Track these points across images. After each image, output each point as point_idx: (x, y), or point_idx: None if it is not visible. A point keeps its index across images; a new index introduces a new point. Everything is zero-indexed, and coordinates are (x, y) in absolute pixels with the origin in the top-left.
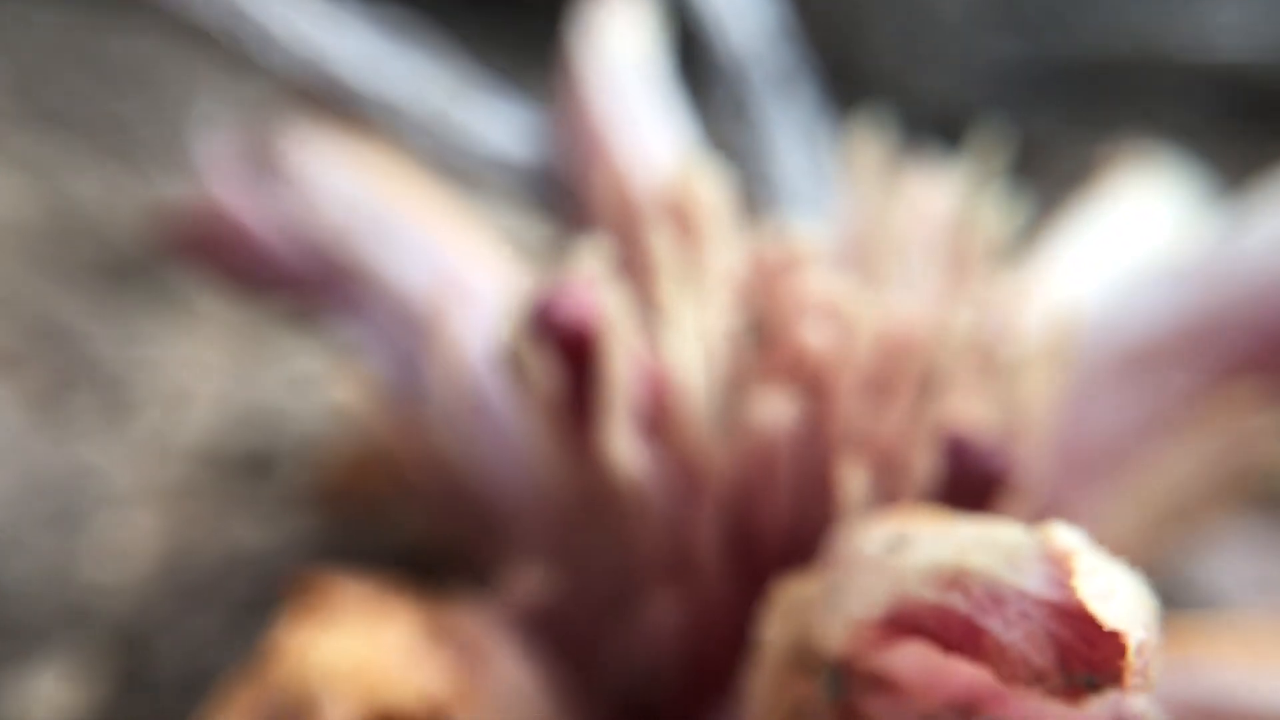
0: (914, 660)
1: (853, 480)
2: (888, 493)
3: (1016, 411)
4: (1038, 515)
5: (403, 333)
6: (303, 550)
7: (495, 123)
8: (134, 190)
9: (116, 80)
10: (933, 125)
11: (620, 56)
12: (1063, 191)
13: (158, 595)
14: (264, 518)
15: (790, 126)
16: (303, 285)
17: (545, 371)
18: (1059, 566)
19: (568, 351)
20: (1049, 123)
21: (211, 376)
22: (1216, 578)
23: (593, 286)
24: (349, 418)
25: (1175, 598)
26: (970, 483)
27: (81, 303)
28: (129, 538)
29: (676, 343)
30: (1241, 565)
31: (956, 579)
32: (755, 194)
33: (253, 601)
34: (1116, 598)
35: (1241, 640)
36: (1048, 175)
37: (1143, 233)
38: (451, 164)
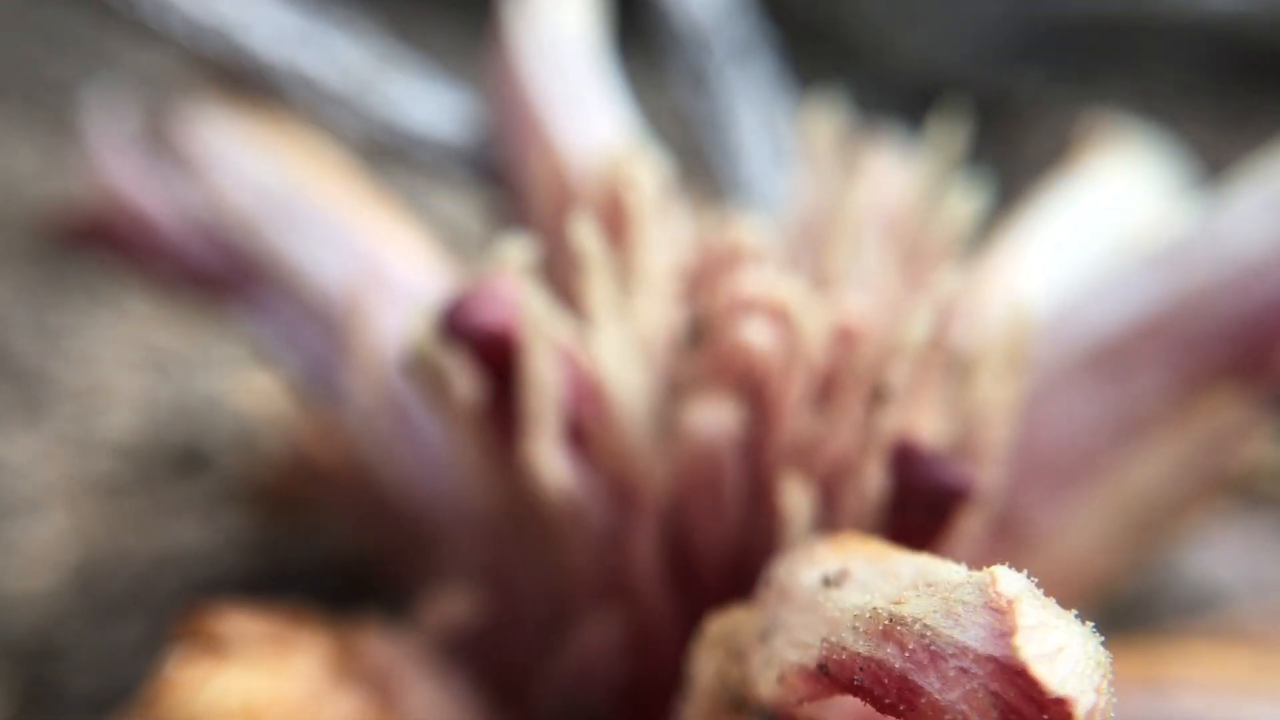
0: (848, 714)
1: (797, 496)
2: (834, 510)
3: (975, 419)
4: (999, 529)
5: (316, 329)
6: (232, 556)
7: (424, 97)
8: (76, 165)
9: (58, 47)
10: (921, 85)
11: (559, 29)
12: (1050, 152)
13: (72, 604)
14: (190, 521)
15: (749, 96)
16: (207, 278)
17: (461, 379)
18: (1001, 618)
19: (486, 357)
20: (1037, 81)
21: (136, 371)
22: (1211, 573)
23: (515, 285)
24: (274, 417)
25: (1166, 594)
26: (923, 498)
27: (3, 289)
28: (43, 541)
29: (608, 345)
30: (1236, 561)
31: (891, 630)
32: (713, 164)
33: (176, 611)
34: (1064, 656)
35: (1222, 659)
36: (1035, 134)
37: (1116, 216)
38: (377, 142)
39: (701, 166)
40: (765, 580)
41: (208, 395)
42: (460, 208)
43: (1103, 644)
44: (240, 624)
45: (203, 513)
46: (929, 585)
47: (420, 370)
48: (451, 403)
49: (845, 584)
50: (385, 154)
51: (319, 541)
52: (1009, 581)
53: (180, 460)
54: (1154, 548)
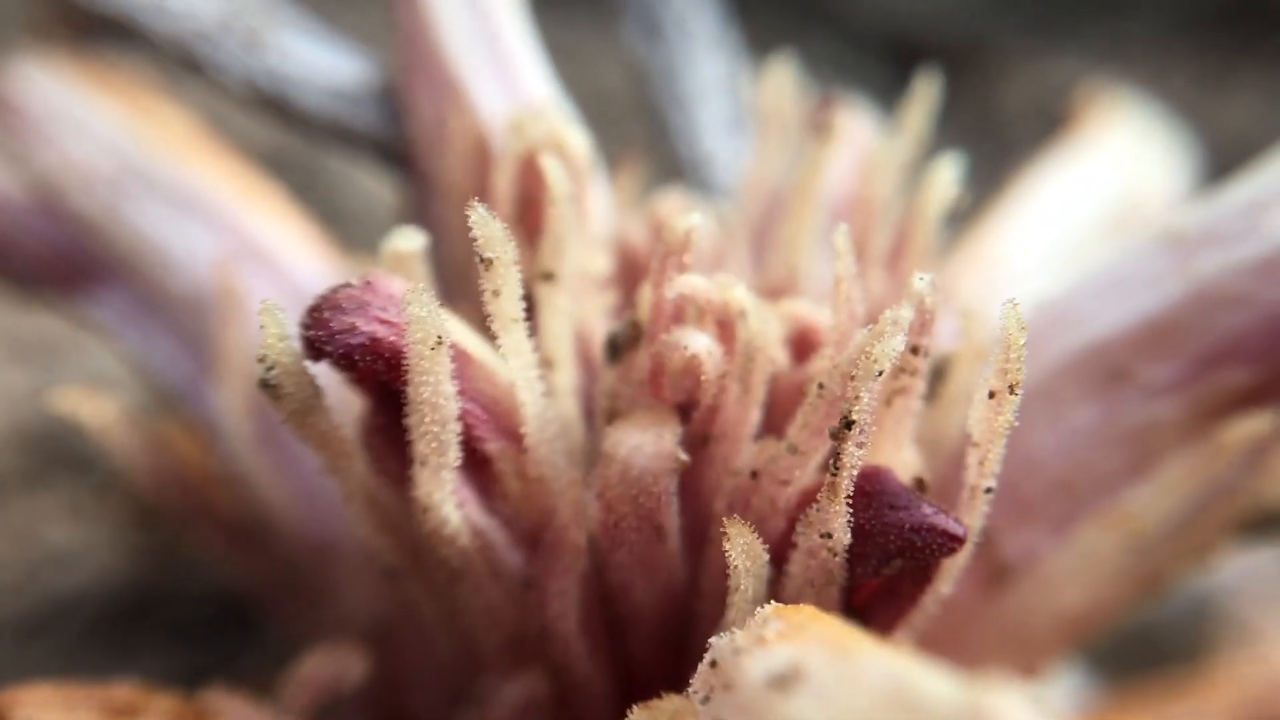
0: None
1: (745, 547)
2: (790, 561)
3: (959, 449)
4: (990, 571)
5: (181, 323)
6: (101, 565)
7: (320, 48)
8: None
9: None
10: (894, 39)
11: None
12: (1027, 106)
13: None
14: (61, 526)
15: (708, 47)
16: (49, 264)
17: (323, 399)
18: None
19: (364, 373)
20: (1013, 34)
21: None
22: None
23: (401, 284)
24: (145, 428)
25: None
26: (897, 549)
27: None
28: None
29: (519, 356)
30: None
31: None
32: (666, 121)
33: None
34: None
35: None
36: (1012, 88)
37: (1118, 195)
38: (265, 95)
39: (652, 128)
40: (706, 657)
41: (80, 385)
42: (353, 172)
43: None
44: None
45: (74, 517)
46: (902, 707)
47: (278, 389)
48: (318, 429)
49: (797, 689)
50: (271, 107)
51: (197, 554)
52: (1005, 703)
53: (50, 459)
54: (1161, 586)
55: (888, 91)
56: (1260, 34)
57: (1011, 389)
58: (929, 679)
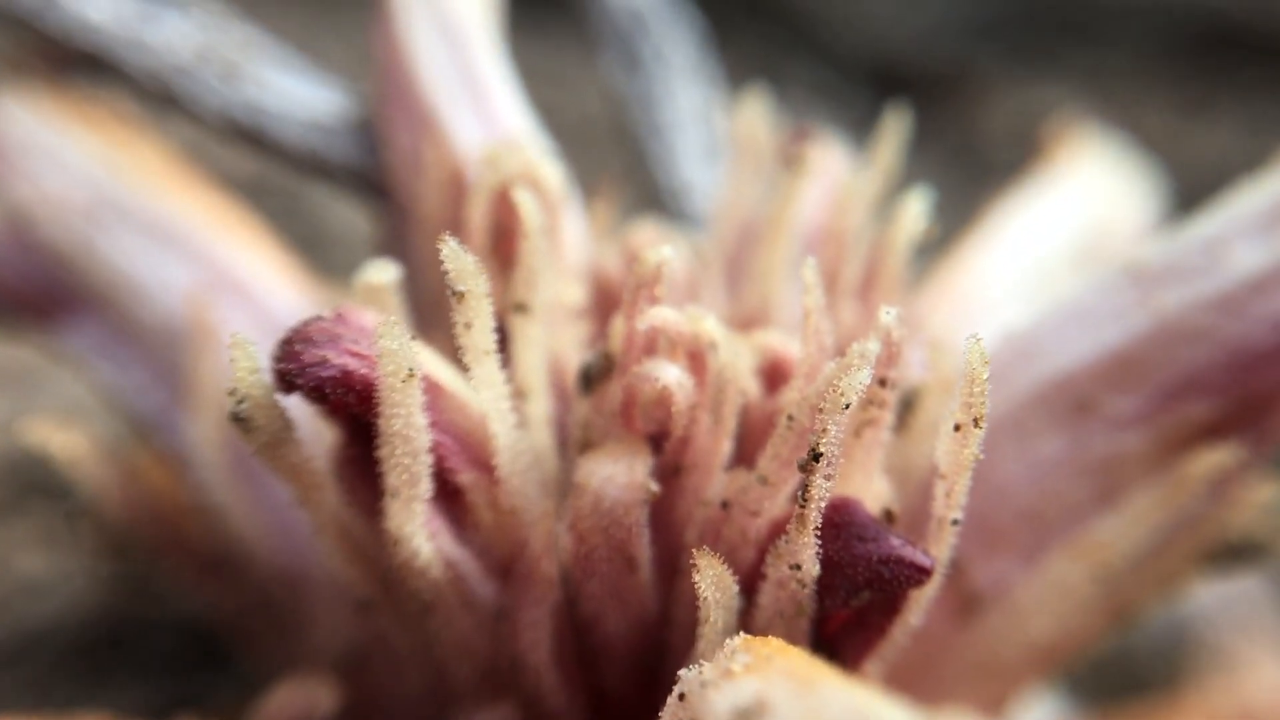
0: None
1: (715, 578)
2: (759, 592)
3: (923, 476)
4: (960, 601)
5: (155, 354)
6: (74, 595)
7: (297, 80)
8: None
9: None
10: (876, 65)
11: (452, 6)
12: (1006, 133)
13: None
14: (34, 554)
15: (686, 77)
16: (22, 297)
17: (293, 432)
18: None
19: (335, 405)
20: (994, 61)
21: None
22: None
23: (373, 316)
24: (117, 458)
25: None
26: (866, 581)
27: None
28: None
29: (491, 387)
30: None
31: None
32: (644, 149)
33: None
34: None
35: None
36: (991, 115)
37: (1087, 228)
38: (243, 128)
39: (631, 156)
40: (675, 689)
41: (54, 415)
42: (332, 201)
43: None
44: None
45: (47, 546)
46: None
47: (249, 422)
48: (289, 461)
49: None
50: (249, 140)
51: (169, 586)
52: None
53: (25, 488)
54: (1132, 615)
55: (870, 117)
56: (1238, 63)
57: (976, 422)
58: (891, 713)
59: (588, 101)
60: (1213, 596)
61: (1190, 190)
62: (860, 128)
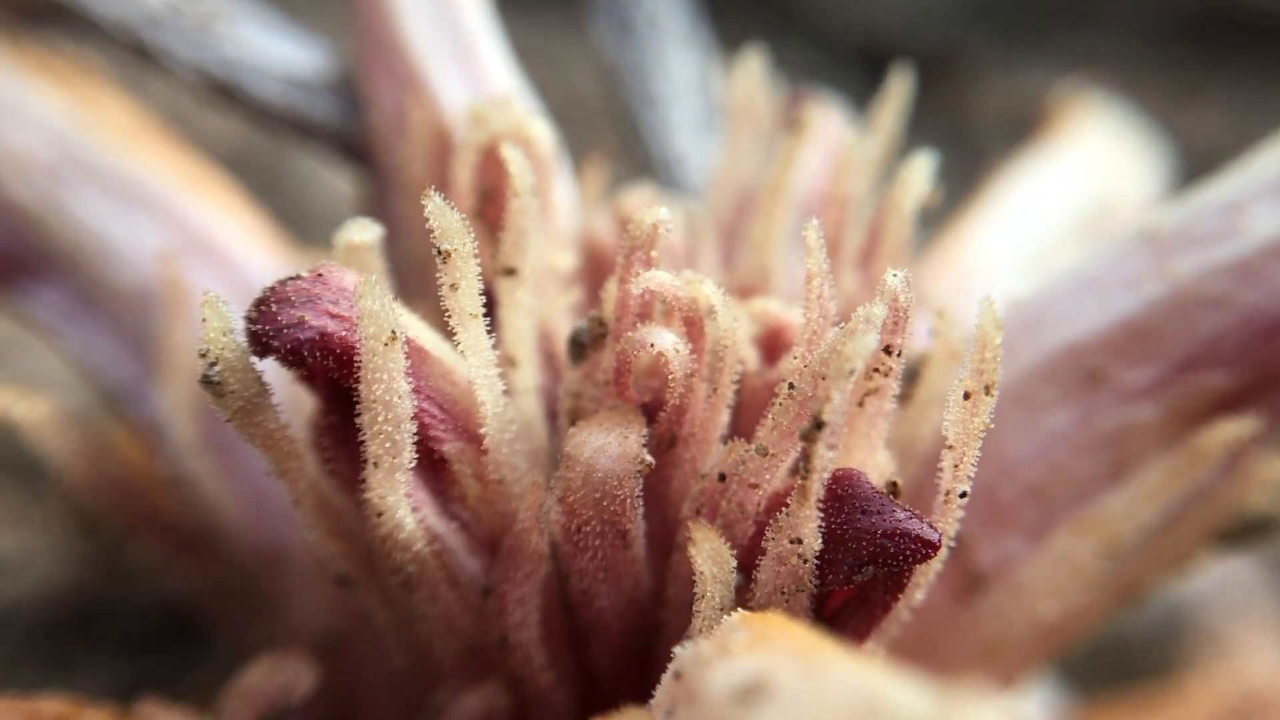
0: None
1: (712, 552)
2: (759, 568)
3: (928, 448)
4: (965, 578)
5: (124, 321)
6: (46, 572)
7: (275, 35)
8: None
9: None
10: (867, 48)
11: None
12: (999, 117)
13: None
14: (3, 529)
15: (677, 46)
16: None
17: (261, 398)
18: None
19: (312, 370)
20: (987, 44)
21: None
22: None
23: (352, 277)
24: (84, 430)
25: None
26: (870, 555)
27: None
28: None
29: (478, 352)
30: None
31: None
32: (636, 120)
33: None
34: None
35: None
36: (984, 99)
37: (1086, 195)
38: (218, 83)
39: (623, 129)
40: (670, 668)
41: (20, 386)
42: (311, 162)
43: None
44: None
45: (15, 524)
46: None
47: (221, 387)
48: (264, 429)
49: (763, 703)
50: (225, 96)
51: (141, 563)
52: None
53: None
54: (1141, 594)
55: (860, 99)
56: (1230, 48)
57: (987, 389)
58: (899, 691)
59: (577, 80)
60: (1209, 581)
61: (1183, 174)
62: (851, 111)
